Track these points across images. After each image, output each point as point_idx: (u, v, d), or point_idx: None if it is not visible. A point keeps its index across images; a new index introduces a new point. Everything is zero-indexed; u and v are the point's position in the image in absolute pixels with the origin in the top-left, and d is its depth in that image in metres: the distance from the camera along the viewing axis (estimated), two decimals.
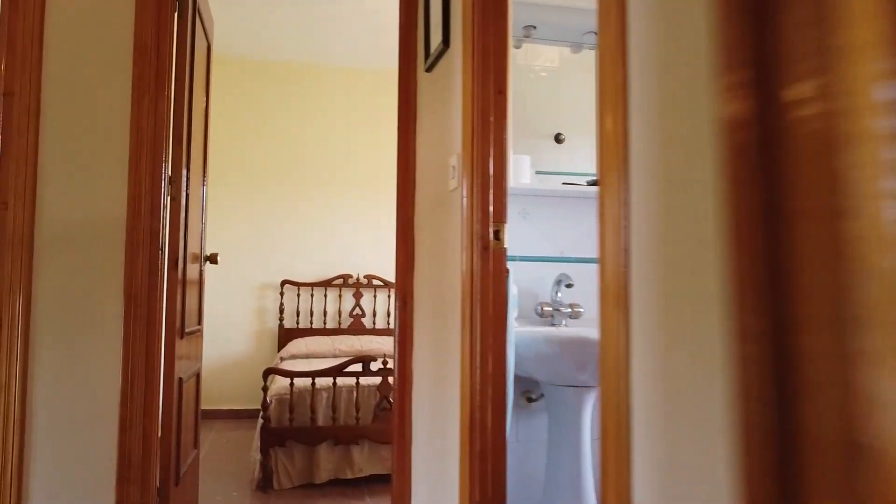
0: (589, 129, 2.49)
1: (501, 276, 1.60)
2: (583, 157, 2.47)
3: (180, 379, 2.40)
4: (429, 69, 2.15)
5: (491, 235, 1.59)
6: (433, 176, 2.12)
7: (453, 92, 1.88)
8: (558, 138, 2.49)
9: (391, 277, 5.34)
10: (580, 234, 2.43)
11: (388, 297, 5.34)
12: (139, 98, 2.22)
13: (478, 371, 1.57)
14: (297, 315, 5.17)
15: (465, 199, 1.66)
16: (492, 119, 1.60)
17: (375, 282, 5.31)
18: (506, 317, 1.63)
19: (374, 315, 5.30)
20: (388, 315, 5.33)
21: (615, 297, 0.87)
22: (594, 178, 2.44)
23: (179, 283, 2.38)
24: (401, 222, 2.37)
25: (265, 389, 3.30)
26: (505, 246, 1.60)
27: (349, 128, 5.42)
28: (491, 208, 1.59)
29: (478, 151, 1.59)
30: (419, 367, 2.26)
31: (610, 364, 0.90)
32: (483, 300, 1.58)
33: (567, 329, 2.11)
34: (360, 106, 5.45)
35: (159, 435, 2.19)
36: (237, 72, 5.26)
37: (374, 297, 5.32)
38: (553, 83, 2.57)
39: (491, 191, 1.59)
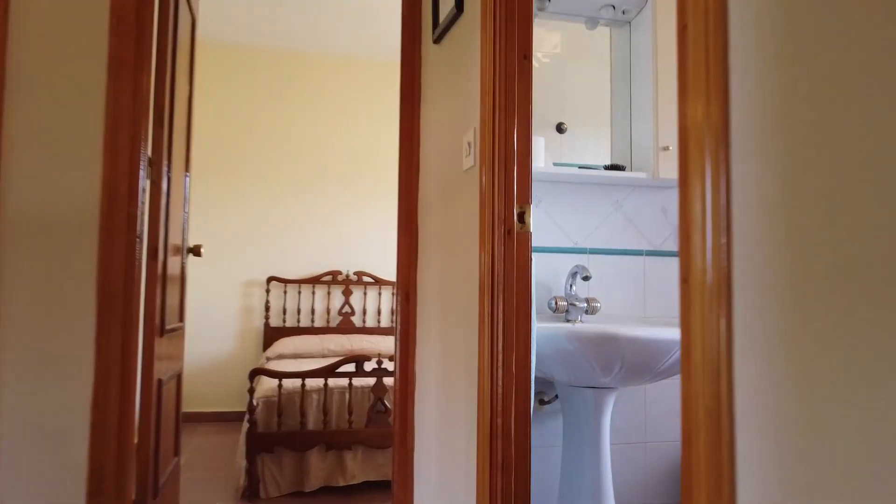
0: (593, 118, 2.31)
1: (527, 265, 1.42)
2: (586, 146, 2.30)
3: (159, 381, 2.19)
4: (437, 40, 1.96)
5: (515, 218, 1.41)
6: (442, 157, 1.94)
7: (468, 61, 1.69)
8: (560, 128, 2.32)
9: (382, 274, 5.14)
10: (596, 223, 2.25)
11: (379, 294, 5.15)
12: (116, 71, 2.01)
13: (500, 372, 1.39)
14: (284, 313, 4.96)
15: (483, 179, 1.47)
16: (516, 87, 1.41)
17: (366, 279, 5.11)
18: (531, 311, 1.44)
19: (365, 313, 5.10)
20: (379, 313, 5.13)
21: (712, 296, 0.69)
22: (611, 163, 2.26)
23: (159, 277, 2.17)
24: (403, 211, 2.18)
25: (251, 391, 3.09)
26: (530, 230, 1.42)
27: (342, 120, 5.21)
28: (515, 188, 1.41)
29: (501, 123, 1.40)
30: (423, 367, 2.07)
31: (701, 366, 0.72)
32: (506, 292, 1.39)
33: (591, 325, 1.93)
34: (354, 97, 5.25)
35: (136, 442, 1.98)
36: (226, 59, 5.03)
37: (365, 294, 5.12)
38: (555, 70, 2.39)
39: (515, 168, 1.41)
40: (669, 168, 2.15)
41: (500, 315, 1.39)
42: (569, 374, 1.85)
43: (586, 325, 1.90)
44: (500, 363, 1.39)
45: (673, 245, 2.30)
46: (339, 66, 5.24)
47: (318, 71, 5.20)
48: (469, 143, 1.61)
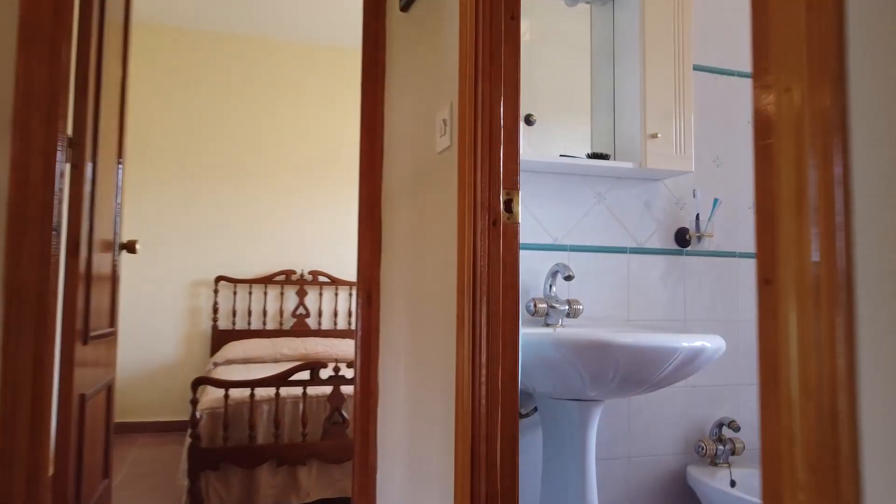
0: (567, 108, 2.11)
1: (515, 261, 1.20)
2: (559, 138, 2.09)
3: (82, 395, 1.91)
4: (405, 7, 1.73)
5: (501, 207, 1.19)
6: (411, 139, 1.71)
7: (444, 26, 1.47)
8: (529, 119, 2.13)
9: (339, 274, 4.88)
10: (577, 218, 2.05)
11: (336, 295, 4.88)
12: (29, 38, 1.72)
13: (483, 388, 1.17)
14: (234, 315, 4.65)
15: (463, 161, 1.25)
16: (503, 51, 1.19)
17: (322, 279, 4.83)
18: (519, 315, 1.23)
19: (320, 315, 4.83)
20: (336, 315, 4.87)
21: (822, 300, 0.49)
22: (595, 151, 2.07)
23: (82, 275, 1.88)
24: (365, 202, 1.95)
25: (194, 402, 2.80)
26: (518, 220, 1.20)
27: (296, 110, 4.92)
28: (501, 170, 1.19)
29: (485, 94, 1.18)
30: (388, 378, 1.84)
31: (801, 396, 0.51)
32: (491, 293, 1.17)
33: (577, 331, 1.73)
34: (310, 86, 4.96)
35: (51, 472, 1.70)
36: (172, 44, 4.69)
37: (320, 295, 4.84)
38: (524, 59, 2.19)
39: (502, 146, 1.19)
40: (658, 157, 1.97)
41: (484, 320, 1.17)
42: (553, 386, 1.65)
43: (573, 331, 1.69)
44: (483, 378, 1.17)
45: (658, 242, 2.13)
46: (297, 54, 4.96)
47: (274, 59, 4.90)
48: (444, 121, 1.39)
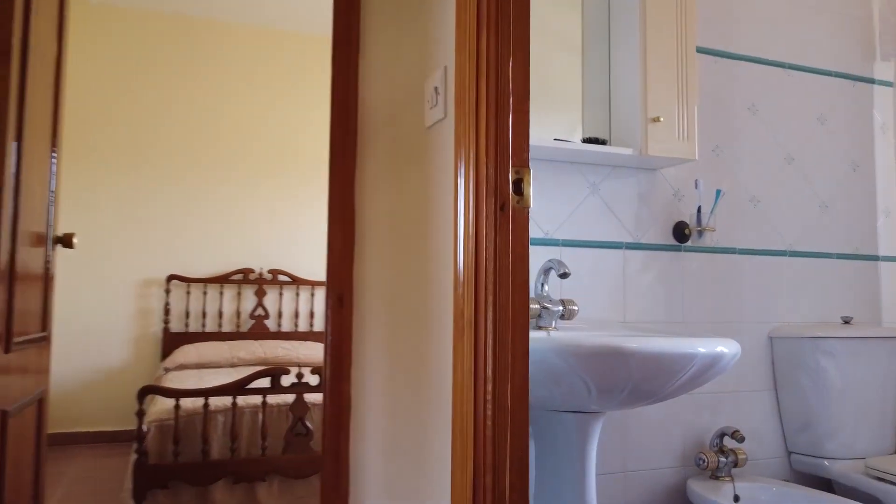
0: (549, 91, 1.91)
1: (525, 253, 1.00)
2: (543, 125, 1.89)
3: (4, 412, 1.63)
4: None
5: (511, 188, 0.99)
6: (392, 116, 1.49)
7: None
8: None
9: (301, 273, 4.62)
10: (569, 210, 1.87)
11: (297, 295, 4.62)
12: None
13: (488, 408, 0.96)
14: (187, 317, 4.35)
15: (464, 133, 1.04)
16: (511, 4, 0.99)
17: (282, 278, 4.56)
18: (529, 318, 1.03)
19: (280, 316, 4.56)
20: (297, 316, 4.60)
21: None
22: (588, 136, 1.88)
23: (3, 272, 1.61)
24: (336, 191, 1.72)
25: (141, 414, 2.53)
26: (530, 205, 1.00)
27: (254, 99, 4.64)
28: (511, 144, 0.99)
29: (490, 49, 0.98)
30: (363, 390, 1.62)
31: None
32: (499, 292, 0.97)
33: (585, 335, 1.53)
34: (268, 73, 4.69)
35: None
36: (121, 26, 4.36)
37: (281, 295, 4.57)
38: None
39: (511, 115, 0.99)
40: (660, 143, 1.79)
41: (490, 326, 0.97)
42: (552, 397, 1.45)
43: (575, 335, 1.50)
44: (488, 395, 0.96)
45: (655, 237, 1.95)
46: (253, 39, 4.67)
47: (230, 44, 4.61)
48: (436, 89, 1.18)
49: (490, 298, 0.96)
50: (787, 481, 2.03)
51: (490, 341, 0.96)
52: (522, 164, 0.99)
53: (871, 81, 2.29)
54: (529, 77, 1.00)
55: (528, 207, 1.00)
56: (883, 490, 1.81)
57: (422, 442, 1.22)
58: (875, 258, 2.25)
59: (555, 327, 1.75)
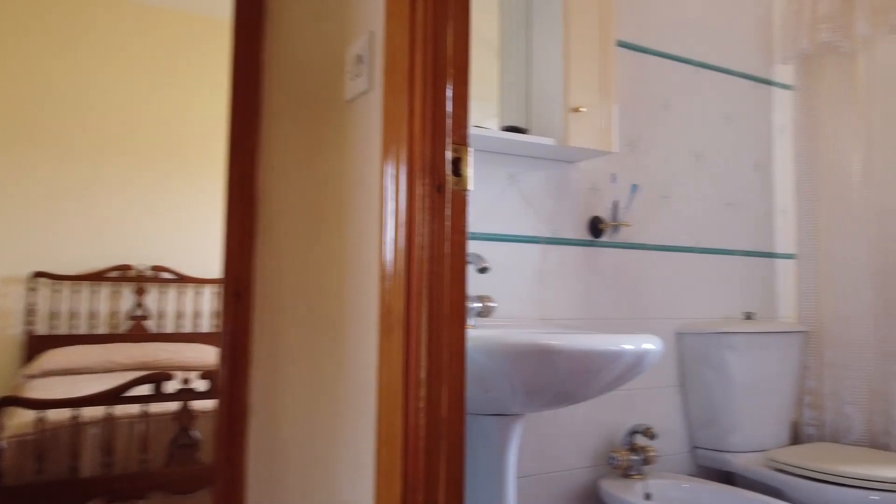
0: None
1: (463, 242, 0.89)
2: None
3: None
4: None
5: (448, 167, 0.88)
6: (304, 91, 1.34)
7: None
8: None
9: (186, 269, 4.29)
10: (487, 202, 1.79)
11: (180, 293, 4.28)
12: None
13: (421, 416, 0.85)
14: (56, 318, 3.92)
15: (394, 106, 0.92)
16: None
17: (165, 275, 4.22)
18: (466, 314, 0.92)
19: (163, 317, 4.21)
20: (180, 317, 4.27)
21: None
22: (511, 124, 1.81)
23: None
24: (235, 177, 1.54)
25: None
26: (468, 187, 0.90)
27: (136, 80, 4.26)
28: (450, 118, 0.88)
29: (427, 12, 0.86)
30: (265, 395, 1.46)
31: None
32: (433, 286, 0.86)
33: (513, 333, 1.44)
34: (149, 53, 4.32)
35: None
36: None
37: (163, 294, 4.22)
38: None
39: (451, 87, 0.88)
40: (580, 134, 1.74)
41: (424, 323, 0.85)
42: (475, 399, 1.35)
43: (505, 334, 1.41)
44: (421, 402, 0.85)
45: (571, 232, 1.91)
46: (133, 15, 4.29)
47: (108, 18, 4.21)
48: (360, 57, 1.05)
49: (425, 291, 0.85)
50: (692, 476, 2.05)
51: (424, 339, 0.85)
52: (461, 141, 0.89)
53: (771, 83, 2.37)
54: (469, 46, 0.89)
55: (466, 190, 0.89)
56: (783, 481, 1.85)
57: (341, 455, 1.08)
58: (772, 255, 2.33)
59: (473, 325, 1.66)
